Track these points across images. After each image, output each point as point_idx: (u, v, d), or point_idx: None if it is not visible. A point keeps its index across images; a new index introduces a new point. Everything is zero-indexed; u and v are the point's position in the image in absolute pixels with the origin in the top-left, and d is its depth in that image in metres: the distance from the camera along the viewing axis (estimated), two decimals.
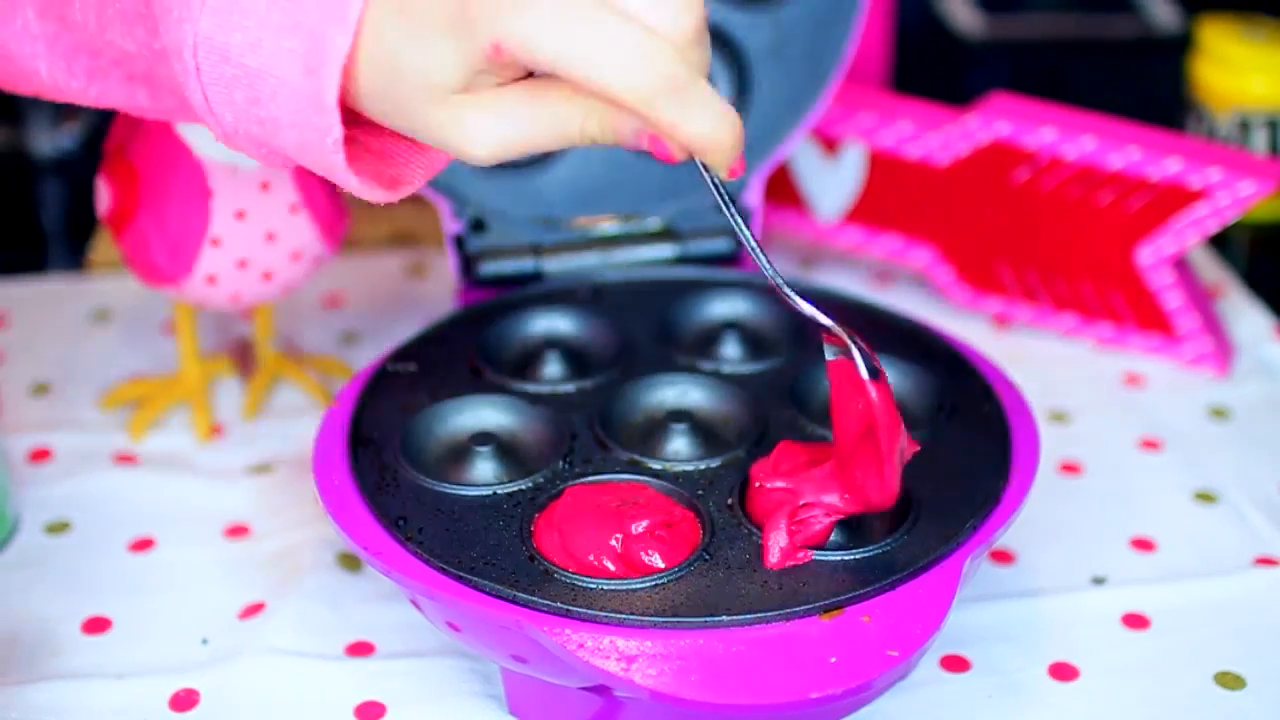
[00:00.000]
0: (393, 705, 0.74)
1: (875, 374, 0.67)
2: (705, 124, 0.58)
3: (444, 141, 0.61)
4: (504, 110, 0.60)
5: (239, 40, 0.61)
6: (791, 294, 0.67)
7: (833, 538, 0.70)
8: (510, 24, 0.57)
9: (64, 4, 0.68)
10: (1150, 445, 0.93)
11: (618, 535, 0.69)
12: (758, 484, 0.72)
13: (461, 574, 0.68)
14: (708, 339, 0.86)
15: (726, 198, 0.64)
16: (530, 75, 0.61)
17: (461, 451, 0.76)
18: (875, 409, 0.67)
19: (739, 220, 0.65)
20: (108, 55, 0.68)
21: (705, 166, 0.61)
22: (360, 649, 0.77)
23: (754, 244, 0.65)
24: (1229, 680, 0.75)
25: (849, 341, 0.67)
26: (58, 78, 0.71)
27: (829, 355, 0.68)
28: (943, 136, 1.01)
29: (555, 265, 0.93)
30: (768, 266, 0.66)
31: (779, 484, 0.71)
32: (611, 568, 0.69)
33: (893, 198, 1.04)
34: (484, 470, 0.75)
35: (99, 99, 0.71)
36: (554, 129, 0.60)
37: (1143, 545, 0.85)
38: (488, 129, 0.60)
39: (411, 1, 0.59)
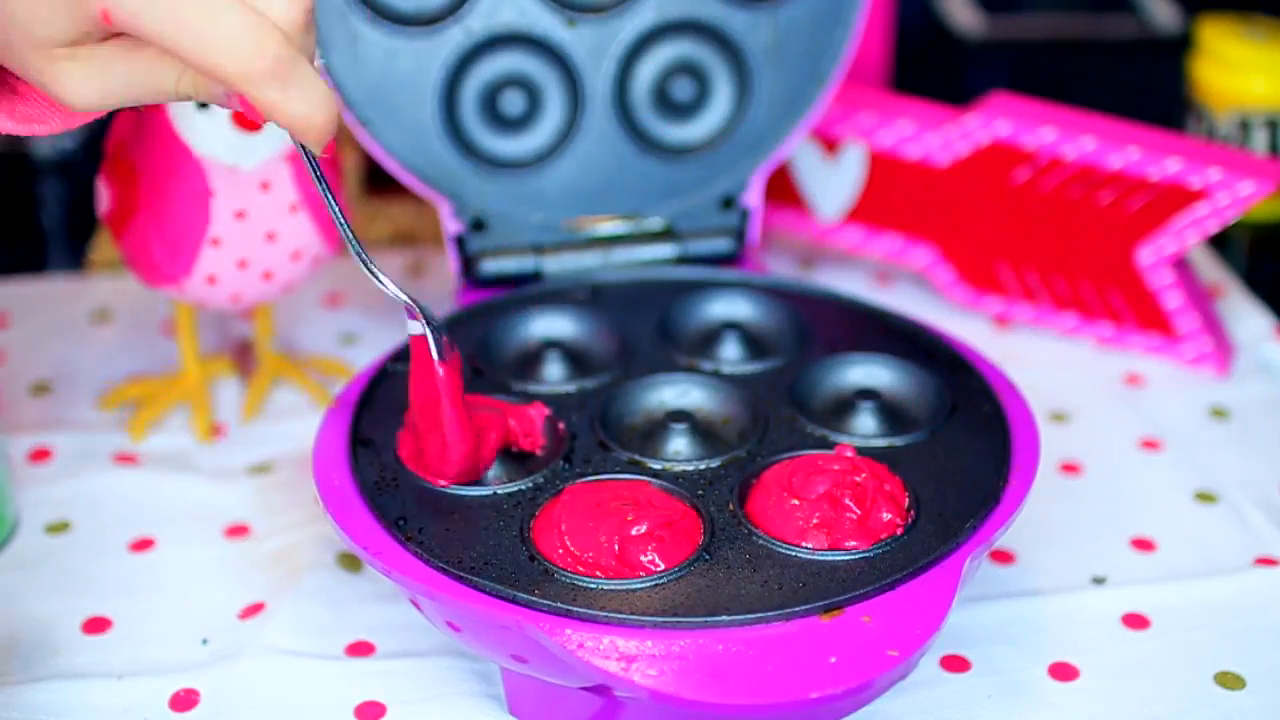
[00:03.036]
0: (393, 705, 0.74)
1: (445, 357, 0.72)
2: (304, 106, 0.61)
3: (45, 87, 0.63)
4: (100, 64, 0.62)
5: None
6: (377, 272, 0.71)
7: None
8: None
9: None
10: (1150, 445, 0.93)
11: (617, 535, 0.69)
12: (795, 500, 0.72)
13: (461, 574, 0.68)
14: (708, 339, 0.86)
15: (319, 172, 0.67)
16: None
17: None
18: (441, 388, 0.72)
19: (330, 196, 0.68)
20: None
21: (301, 145, 0.65)
22: (360, 649, 0.77)
23: (343, 220, 0.69)
24: (1229, 680, 0.75)
25: (426, 325, 0.72)
26: None
27: (411, 331, 0.73)
28: (943, 136, 1.01)
29: (555, 265, 0.93)
30: (354, 242, 0.70)
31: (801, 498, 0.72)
32: (611, 567, 0.69)
33: (893, 198, 1.04)
34: None
35: None
36: (149, 84, 0.62)
37: (1143, 545, 0.85)
38: (84, 80, 0.62)
39: None
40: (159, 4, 0.59)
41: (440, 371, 0.72)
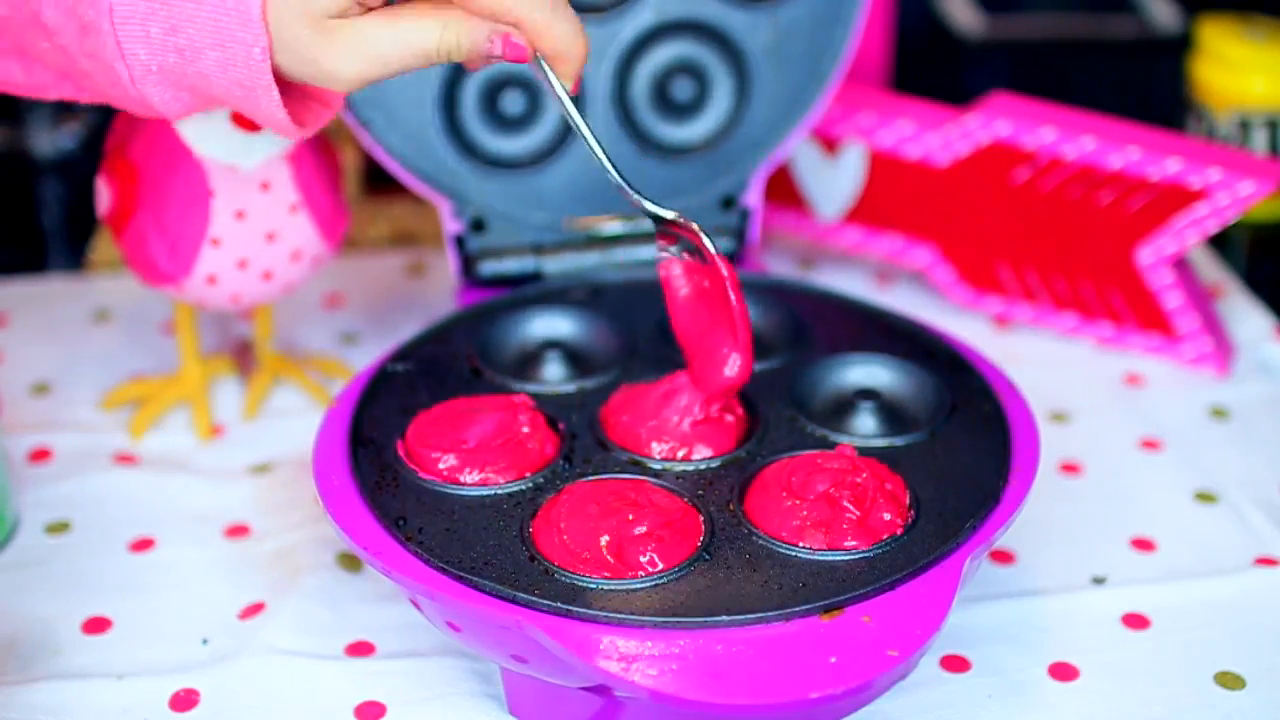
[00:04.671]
0: (393, 705, 0.74)
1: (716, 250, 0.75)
2: (569, 31, 0.68)
3: (315, 63, 0.67)
4: (366, 32, 0.67)
5: None
6: (633, 192, 0.74)
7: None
8: None
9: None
10: (1150, 445, 0.93)
11: (617, 535, 0.69)
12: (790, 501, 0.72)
13: (461, 574, 0.68)
14: None
15: (567, 98, 0.71)
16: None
17: None
18: (725, 278, 0.73)
19: (580, 121, 0.72)
20: (33, 52, 0.72)
21: (551, 72, 0.70)
22: (360, 649, 0.77)
23: (596, 144, 0.73)
24: (1229, 680, 0.75)
25: (696, 229, 0.74)
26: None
27: (662, 257, 0.76)
28: (943, 136, 1.01)
29: (555, 265, 0.93)
30: (611, 168, 0.73)
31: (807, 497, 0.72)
32: (611, 566, 0.69)
33: (893, 198, 1.04)
34: None
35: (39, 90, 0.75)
36: (414, 45, 0.67)
37: (1143, 545, 0.85)
38: (352, 50, 0.67)
39: None
40: None
41: (724, 268, 0.73)
